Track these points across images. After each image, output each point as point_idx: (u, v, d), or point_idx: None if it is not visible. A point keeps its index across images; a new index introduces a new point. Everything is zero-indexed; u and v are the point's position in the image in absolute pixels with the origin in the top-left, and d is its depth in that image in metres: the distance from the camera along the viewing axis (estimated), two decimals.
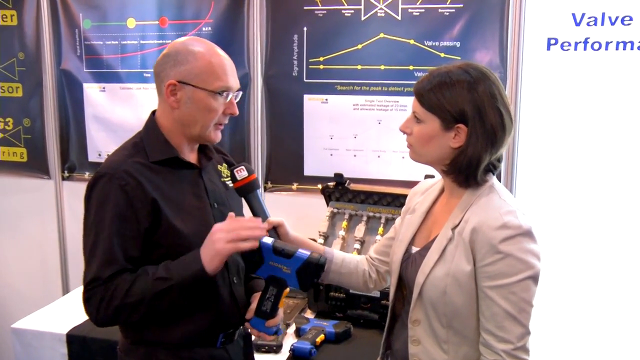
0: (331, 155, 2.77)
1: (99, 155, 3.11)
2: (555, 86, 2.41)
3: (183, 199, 1.60)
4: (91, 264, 1.51)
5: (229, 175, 1.75)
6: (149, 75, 2.93)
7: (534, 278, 1.38)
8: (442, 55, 2.53)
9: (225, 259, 1.48)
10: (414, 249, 1.56)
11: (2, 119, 3.23)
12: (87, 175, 3.15)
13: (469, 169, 1.43)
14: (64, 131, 3.16)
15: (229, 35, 2.80)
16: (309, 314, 2.42)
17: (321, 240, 2.49)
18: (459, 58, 2.50)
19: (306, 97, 2.75)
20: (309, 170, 2.81)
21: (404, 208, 1.72)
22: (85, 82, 3.05)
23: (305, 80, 2.74)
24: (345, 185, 2.48)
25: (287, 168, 2.85)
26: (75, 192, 3.15)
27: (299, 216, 2.83)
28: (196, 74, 1.56)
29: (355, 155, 2.72)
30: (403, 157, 2.65)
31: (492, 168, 1.49)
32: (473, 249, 1.40)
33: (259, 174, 2.87)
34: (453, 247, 1.44)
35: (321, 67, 2.70)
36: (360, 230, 2.42)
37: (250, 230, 1.47)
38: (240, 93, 1.69)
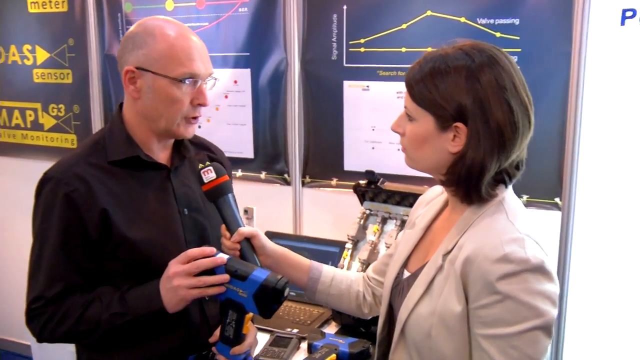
0: (373, 148, 2.48)
1: None
2: (631, 69, 1.96)
3: (144, 205, 1.41)
4: (35, 279, 1.37)
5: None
6: None
7: (545, 329, 1.05)
8: (498, 35, 2.16)
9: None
10: (405, 274, 1.28)
11: (55, 105, 3.22)
12: None
13: (470, 179, 1.12)
14: (108, 118, 3.09)
15: (266, 16, 2.57)
16: (332, 327, 2.17)
17: (349, 245, 2.23)
18: (518, 38, 2.12)
19: (346, 83, 2.47)
20: (350, 164, 2.54)
21: (407, 220, 1.43)
22: None
23: (345, 64, 2.46)
24: (378, 184, 2.19)
25: (325, 162, 2.59)
26: None
27: (339, 215, 2.58)
28: (156, 59, 1.36)
29: (399, 150, 2.38)
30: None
31: (507, 178, 1.17)
32: (465, 284, 1.09)
33: (296, 167, 2.63)
34: (442, 278, 1.14)
35: (362, 50, 2.41)
36: (391, 236, 2.13)
37: (215, 277, 1.29)
38: (216, 81, 1.47)
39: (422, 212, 1.36)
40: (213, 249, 1.32)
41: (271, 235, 2.54)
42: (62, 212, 1.34)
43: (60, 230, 1.34)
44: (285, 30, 2.54)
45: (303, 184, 2.66)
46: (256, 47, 2.63)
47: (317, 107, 2.55)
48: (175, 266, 1.30)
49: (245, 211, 2.46)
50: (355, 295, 1.47)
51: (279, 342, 1.98)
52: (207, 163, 1.58)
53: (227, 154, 2.78)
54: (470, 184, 1.13)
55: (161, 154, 1.48)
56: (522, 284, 1.04)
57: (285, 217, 2.69)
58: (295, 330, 2.10)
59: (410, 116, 1.17)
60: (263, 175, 2.71)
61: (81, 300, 1.34)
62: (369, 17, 2.37)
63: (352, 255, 2.22)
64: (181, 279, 1.29)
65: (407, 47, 2.32)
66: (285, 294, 1.28)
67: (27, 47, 3.22)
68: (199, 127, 2.83)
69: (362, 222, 2.25)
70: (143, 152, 1.43)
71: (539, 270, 1.05)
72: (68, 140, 3.22)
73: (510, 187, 1.20)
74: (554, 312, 1.06)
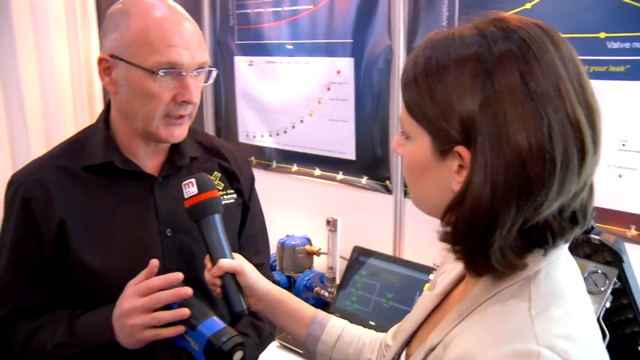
0: None
1: (247, 136, 2.83)
2: None
3: (114, 223, 1.17)
4: None
5: (217, 189, 1.27)
6: (292, 47, 2.53)
7: None
8: None
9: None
10: (402, 357, 0.89)
11: None
12: None
13: (472, 236, 0.71)
14: (218, 108, 2.95)
15: None
16: None
17: (432, 277, 1.81)
18: None
19: None
20: None
21: (432, 278, 1.03)
22: (236, 54, 2.78)
23: None
24: None
25: None
26: None
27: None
28: (128, 45, 1.11)
29: None
30: (621, 176, 1.74)
31: (549, 237, 0.73)
32: None
33: (398, 173, 2.25)
34: None
35: None
36: None
37: (173, 313, 1.04)
38: (214, 72, 1.19)
39: (448, 269, 0.95)
40: (180, 275, 1.06)
41: (360, 251, 2.20)
42: (17, 222, 1.16)
43: (15, 242, 1.17)
44: (390, 12, 2.16)
45: (405, 193, 2.26)
46: (360, 32, 2.27)
47: None
48: (131, 300, 1.06)
49: (328, 222, 2.14)
50: None
51: None
52: (217, 174, 1.33)
53: (328, 154, 2.50)
54: (472, 244, 0.71)
55: (150, 161, 1.23)
56: None
57: (384, 232, 2.32)
58: None
59: (405, 133, 0.79)
60: (364, 180, 2.37)
61: (29, 325, 1.15)
62: None
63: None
64: (137, 317, 1.04)
65: None
66: (236, 358, 0.97)
67: None
68: (301, 121, 2.60)
69: None
70: (122, 157, 1.19)
71: None
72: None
73: (560, 252, 0.75)
74: None
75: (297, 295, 2.23)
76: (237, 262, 1.10)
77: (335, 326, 1.12)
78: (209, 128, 3.00)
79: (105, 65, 1.15)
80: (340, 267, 2.20)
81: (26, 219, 1.15)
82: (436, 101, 0.72)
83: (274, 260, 2.37)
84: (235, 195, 1.33)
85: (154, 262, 1.08)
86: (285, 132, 2.64)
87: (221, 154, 1.35)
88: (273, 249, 2.50)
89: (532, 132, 0.67)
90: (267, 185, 2.81)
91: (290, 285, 2.29)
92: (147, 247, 1.18)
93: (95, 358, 1.13)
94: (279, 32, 2.57)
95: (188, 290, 1.05)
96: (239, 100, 2.82)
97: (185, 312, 1.03)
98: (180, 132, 1.18)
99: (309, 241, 2.34)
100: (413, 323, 0.92)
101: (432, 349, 0.76)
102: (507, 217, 0.68)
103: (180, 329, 1.04)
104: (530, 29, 0.71)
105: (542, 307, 0.70)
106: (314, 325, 1.11)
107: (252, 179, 1.40)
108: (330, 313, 2.10)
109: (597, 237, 1.44)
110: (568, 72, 0.70)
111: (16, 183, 1.18)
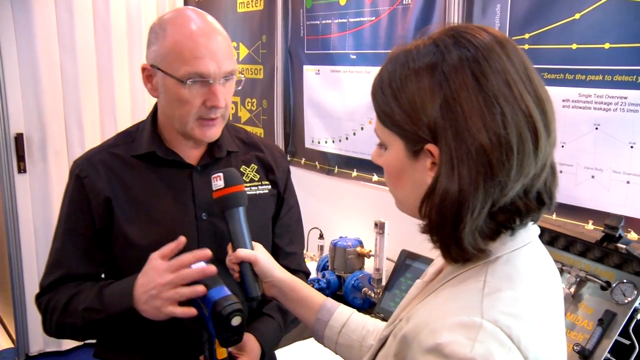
0: None
1: (312, 142, 2.96)
2: None
3: (155, 204, 1.32)
4: (45, 267, 1.38)
5: (253, 179, 1.40)
6: (355, 57, 2.63)
7: None
8: None
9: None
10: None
11: (250, 99, 3.36)
12: (303, 161, 3.04)
13: (443, 223, 0.79)
14: (287, 114, 3.11)
15: (427, 7, 2.28)
16: None
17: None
18: None
19: None
20: None
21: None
22: (305, 64, 2.93)
23: None
24: None
25: None
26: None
27: None
28: (163, 56, 1.26)
29: (561, 171, 1.93)
30: (628, 182, 1.76)
31: (516, 219, 0.79)
32: None
33: None
34: (383, 356, 0.84)
35: (526, 46, 1.97)
36: None
37: (191, 289, 1.14)
38: (242, 79, 1.32)
39: (437, 259, 1.01)
40: (209, 252, 1.17)
41: (407, 254, 2.26)
42: (73, 196, 1.34)
43: (69, 213, 1.34)
44: (446, 23, 2.21)
45: None
46: None
47: None
48: (163, 275, 1.16)
49: (376, 224, 2.22)
50: (367, 350, 1.16)
51: None
52: (253, 166, 1.45)
53: None
54: (445, 230, 0.78)
55: (193, 152, 1.37)
56: None
57: None
58: None
59: (381, 142, 0.88)
60: None
61: (73, 289, 1.30)
62: (537, 7, 1.93)
63: None
64: (167, 292, 1.14)
65: (579, 42, 1.82)
66: (234, 323, 1.08)
67: (233, 44, 3.42)
68: (362, 128, 2.70)
69: None
70: (164, 148, 1.34)
71: None
72: (257, 135, 3.33)
73: (526, 236, 0.81)
74: None
75: (345, 294, 2.33)
76: (252, 252, 1.20)
77: (342, 313, 1.20)
78: (278, 134, 3.15)
79: (147, 74, 1.30)
80: (387, 269, 2.26)
81: (79, 193, 1.32)
82: (402, 106, 0.79)
83: (327, 260, 2.47)
84: (269, 186, 1.44)
85: (182, 239, 1.19)
86: (347, 138, 2.75)
87: (259, 148, 1.47)
88: (326, 250, 2.61)
89: (488, 122, 0.74)
90: (328, 189, 2.93)
91: (340, 284, 2.38)
92: (183, 227, 1.31)
93: (130, 330, 1.27)
94: (344, 42, 2.68)
95: (213, 268, 1.15)
96: (306, 107, 2.96)
97: (201, 289, 1.13)
98: (213, 132, 1.31)
99: (360, 243, 2.42)
100: (401, 307, 0.99)
101: (399, 322, 0.83)
102: (477, 201, 0.75)
103: (191, 310, 1.14)
104: (478, 35, 0.78)
105: (495, 287, 0.76)
106: (322, 312, 1.19)
107: (288, 172, 1.51)
108: (375, 313, 2.20)
109: (624, 246, 1.44)
110: (515, 67, 0.77)
111: (75, 164, 1.36)
